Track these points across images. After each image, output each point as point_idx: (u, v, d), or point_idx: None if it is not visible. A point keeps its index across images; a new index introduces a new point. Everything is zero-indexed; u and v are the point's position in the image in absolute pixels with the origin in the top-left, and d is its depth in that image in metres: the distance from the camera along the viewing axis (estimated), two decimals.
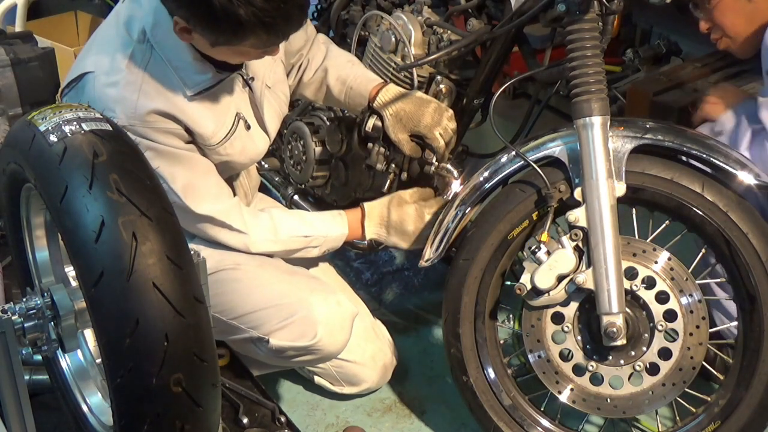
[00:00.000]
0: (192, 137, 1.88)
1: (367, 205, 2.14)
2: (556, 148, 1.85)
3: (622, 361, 1.85)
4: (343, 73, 2.20)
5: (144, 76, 1.80)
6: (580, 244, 1.80)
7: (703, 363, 1.82)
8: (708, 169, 1.82)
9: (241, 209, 2.01)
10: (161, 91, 1.81)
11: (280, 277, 2.07)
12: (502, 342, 2.03)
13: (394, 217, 2.11)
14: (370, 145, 2.24)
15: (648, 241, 1.85)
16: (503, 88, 1.91)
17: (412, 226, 2.10)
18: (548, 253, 1.79)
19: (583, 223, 1.78)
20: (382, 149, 2.21)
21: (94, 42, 1.91)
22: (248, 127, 1.97)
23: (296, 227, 2.07)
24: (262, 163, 2.60)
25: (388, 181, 2.27)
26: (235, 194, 2.16)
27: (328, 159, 2.43)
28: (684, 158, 1.83)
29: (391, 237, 2.13)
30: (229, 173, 2.06)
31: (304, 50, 2.23)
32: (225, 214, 1.95)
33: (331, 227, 2.11)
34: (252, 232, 2.00)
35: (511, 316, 2.01)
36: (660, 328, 1.81)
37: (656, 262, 1.82)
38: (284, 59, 2.12)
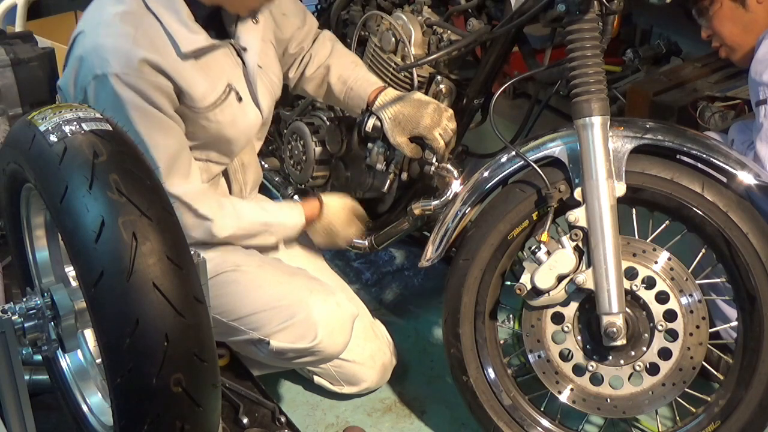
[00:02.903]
0: (181, 99, 1.88)
1: (325, 201, 2.21)
2: (556, 148, 1.85)
3: (622, 361, 1.85)
4: (345, 73, 2.21)
5: (138, 30, 1.82)
6: (580, 244, 1.80)
7: (703, 363, 1.82)
8: (708, 169, 1.81)
9: (209, 195, 1.99)
10: (154, 46, 1.83)
11: (280, 278, 2.07)
12: (502, 342, 2.03)
13: (341, 234, 2.23)
14: (370, 145, 2.24)
15: (648, 241, 1.85)
16: (503, 88, 1.91)
17: (343, 244, 2.24)
18: (548, 253, 1.79)
19: (583, 223, 1.78)
20: (382, 149, 2.22)
21: (86, 11, 1.92)
22: (240, 99, 1.97)
23: (257, 214, 2.09)
24: (262, 163, 2.60)
25: (388, 181, 2.27)
26: (230, 188, 2.16)
27: (328, 159, 2.43)
28: (684, 158, 1.83)
29: (319, 239, 2.25)
30: (223, 152, 2.04)
31: (305, 43, 2.24)
32: (192, 197, 1.94)
33: (288, 216, 2.14)
34: (217, 218, 1.98)
35: (511, 316, 2.01)
36: (660, 328, 1.81)
37: (656, 262, 1.82)
38: (274, 41, 2.13)
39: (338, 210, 2.23)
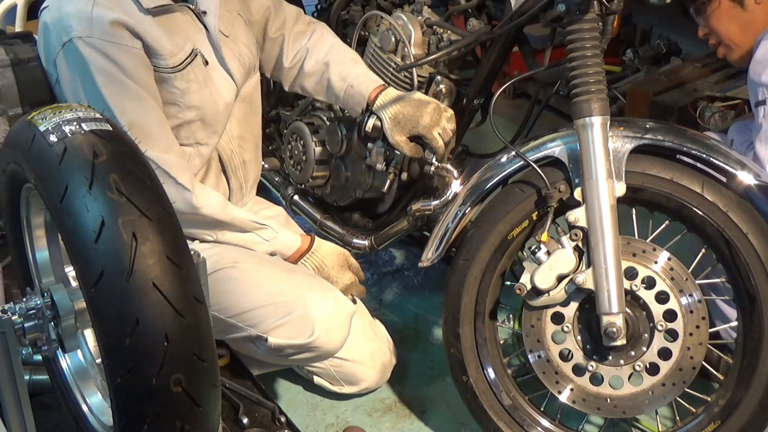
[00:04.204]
0: (151, 59, 1.89)
1: (319, 241, 2.18)
2: (556, 148, 1.85)
3: (622, 361, 1.85)
4: (345, 70, 2.21)
5: None
6: (580, 244, 1.80)
7: (703, 363, 1.82)
8: (708, 169, 1.81)
9: (190, 171, 1.98)
10: (117, 4, 1.85)
11: (279, 275, 2.07)
12: (502, 342, 2.03)
13: (332, 275, 2.16)
14: (369, 145, 2.24)
15: (648, 241, 1.85)
16: (503, 88, 1.91)
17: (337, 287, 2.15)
18: (548, 253, 1.79)
19: (583, 223, 1.78)
20: (382, 149, 2.22)
21: None
22: (206, 63, 1.99)
23: (247, 215, 2.08)
24: (262, 163, 2.60)
25: (388, 181, 2.27)
26: (229, 184, 2.16)
27: (328, 159, 2.43)
28: (684, 158, 1.83)
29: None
30: (208, 125, 2.03)
31: (286, 30, 2.26)
32: (170, 165, 1.90)
33: (286, 232, 2.13)
34: (198, 192, 1.95)
35: (511, 316, 2.01)
36: (660, 328, 1.81)
37: (656, 262, 1.82)
38: (243, 15, 2.15)
39: (331, 252, 2.18)
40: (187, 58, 1.94)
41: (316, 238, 2.20)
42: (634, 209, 1.89)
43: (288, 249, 2.14)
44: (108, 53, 1.82)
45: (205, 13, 2.01)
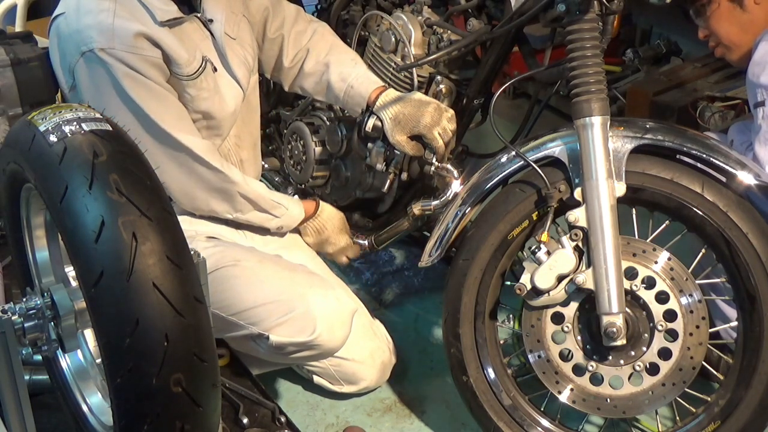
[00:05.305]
0: (169, 67, 1.93)
1: (323, 205, 2.27)
2: (556, 148, 1.85)
3: (622, 361, 1.85)
4: (345, 71, 2.21)
5: (116, 5, 1.87)
6: (580, 244, 1.80)
7: (703, 363, 1.82)
8: (708, 169, 1.81)
9: (217, 153, 2.06)
10: (135, 17, 1.88)
11: (280, 273, 2.07)
12: (502, 342, 2.03)
13: (331, 238, 2.27)
14: (370, 145, 2.24)
15: (648, 241, 1.85)
16: (503, 88, 1.91)
17: (331, 249, 2.30)
18: (548, 253, 1.79)
19: (583, 223, 1.78)
20: (382, 149, 2.22)
21: None
22: (215, 70, 2.02)
23: (265, 191, 2.14)
24: (262, 163, 2.60)
25: (388, 181, 2.27)
26: None
27: (328, 159, 2.43)
28: (684, 158, 1.83)
29: (309, 239, 2.29)
30: (213, 129, 2.07)
31: (285, 30, 2.27)
32: (203, 150, 1.99)
33: (292, 205, 2.19)
34: (229, 172, 2.04)
35: (511, 316, 2.01)
36: (660, 328, 1.81)
37: (656, 262, 1.82)
38: (248, 16, 2.18)
39: (333, 216, 2.28)
40: (200, 67, 1.98)
41: (320, 201, 2.27)
42: (634, 209, 1.89)
43: (294, 221, 2.21)
44: (129, 62, 1.86)
45: (212, 21, 2.03)
